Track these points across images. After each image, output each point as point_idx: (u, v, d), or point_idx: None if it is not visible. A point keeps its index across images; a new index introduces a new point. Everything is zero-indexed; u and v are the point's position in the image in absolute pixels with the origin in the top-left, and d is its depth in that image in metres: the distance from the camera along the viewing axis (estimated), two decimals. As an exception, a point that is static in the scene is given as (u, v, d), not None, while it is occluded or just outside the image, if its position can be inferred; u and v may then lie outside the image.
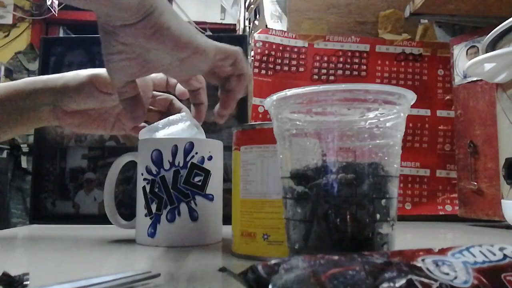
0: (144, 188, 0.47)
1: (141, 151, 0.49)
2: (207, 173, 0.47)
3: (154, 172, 0.47)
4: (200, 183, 0.47)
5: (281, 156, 0.32)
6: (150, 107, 0.55)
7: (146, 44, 0.39)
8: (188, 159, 0.46)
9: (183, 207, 0.46)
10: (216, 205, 0.48)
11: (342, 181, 0.28)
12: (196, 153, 0.47)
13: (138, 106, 0.45)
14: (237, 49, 0.44)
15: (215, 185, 0.48)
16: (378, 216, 0.29)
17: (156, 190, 0.46)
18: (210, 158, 0.48)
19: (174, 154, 0.46)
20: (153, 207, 0.46)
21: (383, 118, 0.30)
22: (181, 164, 0.46)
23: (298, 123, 0.30)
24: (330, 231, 0.28)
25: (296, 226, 0.30)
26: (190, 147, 0.46)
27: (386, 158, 0.30)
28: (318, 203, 0.28)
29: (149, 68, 0.42)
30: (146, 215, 0.47)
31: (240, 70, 0.45)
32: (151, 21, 0.37)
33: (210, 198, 0.47)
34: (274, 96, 0.31)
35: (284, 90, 0.30)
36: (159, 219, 0.46)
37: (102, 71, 0.51)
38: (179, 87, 0.53)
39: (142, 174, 0.48)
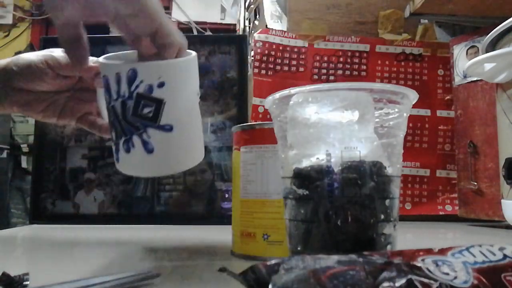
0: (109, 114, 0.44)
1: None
2: (159, 102, 0.40)
3: (107, 101, 0.42)
4: (151, 115, 0.41)
5: (282, 155, 0.32)
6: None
7: None
8: (132, 89, 0.40)
9: (136, 139, 0.41)
10: (178, 135, 0.42)
11: (346, 181, 0.28)
12: (141, 81, 0.40)
13: (80, 48, 0.41)
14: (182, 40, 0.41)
15: (175, 114, 0.41)
16: (381, 216, 0.28)
17: (112, 119, 0.42)
18: (161, 85, 0.40)
19: (118, 83, 0.40)
20: (113, 135, 0.43)
21: (387, 117, 0.30)
22: (126, 95, 0.40)
23: (300, 118, 0.30)
24: (333, 232, 0.28)
25: (298, 226, 0.30)
26: (133, 75, 0.40)
27: (389, 158, 0.30)
28: (321, 203, 0.28)
29: (92, 11, 0.38)
30: (112, 141, 0.44)
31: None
32: None
33: (167, 129, 0.41)
34: (276, 95, 0.31)
35: (287, 89, 0.30)
36: (118, 148, 0.42)
37: (58, 52, 0.49)
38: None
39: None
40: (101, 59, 0.44)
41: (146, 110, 0.40)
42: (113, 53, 0.45)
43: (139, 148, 0.41)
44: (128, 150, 0.42)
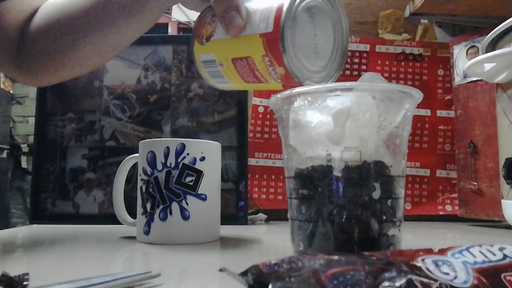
0: (141, 188, 0.49)
1: (140, 153, 0.50)
2: (199, 173, 0.48)
3: (149, 173, 0.48)
4: (191, 183, 0.48)
5: (285, 156, 0.32)
6: None
7: None
8: (179, 160, 0.48)
9: (175, 206, 0.47)
10: (210, 205, 0.49)
11: (346, 181, 0.28)
12: (188, 154, 0.48)
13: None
14: None
15: (209, 185, 0.49)
16: (384, 217, 0.28)
17: (150, 190, 0.48)
18: (202, 158, 0.48)
19: (166, 155, 0.48)
20: (148, 206, 0.48)
21: (390, 117, 0.29)
22: (172, 165, 0.48)
23: (303, 122, 0.30)
24: (335, 232, 0.28)
25: (301, 226, 0.30)
26: (181, 148, 0.48)
27: (393, 157, 0.29)
28: (323, 203, 0.28)
29: None
30: (142, 214, 0.49)
31: None
32: None
33: (202, 198, 0.48)
34: (278, 95, 0.31)
35: (289, 89, 0.30)
36: (153, 217, 0.48)
37: None
38: None
39: (140, 175, 0.50)
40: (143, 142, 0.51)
41: (188, 179, 0.48)
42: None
43: (176, 215, 0.47)
44: (164, 218, 0.47)
